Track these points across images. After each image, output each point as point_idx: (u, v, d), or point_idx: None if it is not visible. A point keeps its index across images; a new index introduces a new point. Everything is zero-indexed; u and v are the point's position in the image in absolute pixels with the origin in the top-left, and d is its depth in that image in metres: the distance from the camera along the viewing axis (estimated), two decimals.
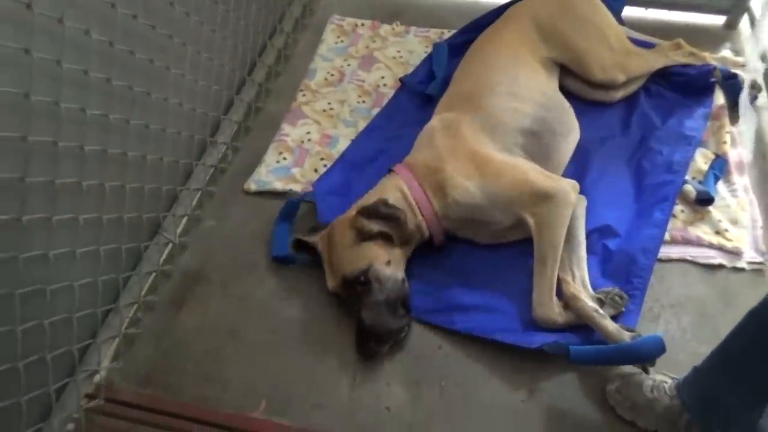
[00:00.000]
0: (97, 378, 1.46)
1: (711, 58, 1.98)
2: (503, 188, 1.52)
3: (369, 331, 1.42)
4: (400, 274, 1.50)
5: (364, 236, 1.47)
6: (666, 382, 1.32)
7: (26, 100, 1.11)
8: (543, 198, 1.50)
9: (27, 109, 1.12)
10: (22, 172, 1.14)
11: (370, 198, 1.56)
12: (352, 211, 1.53)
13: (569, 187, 1.54)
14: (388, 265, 1.48)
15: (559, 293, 1.47)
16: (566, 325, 1.45)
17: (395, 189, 1.56)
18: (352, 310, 1.47)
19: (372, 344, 1.44)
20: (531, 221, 1.50)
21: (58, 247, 1.27)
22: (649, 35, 2.06)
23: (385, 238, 1.49)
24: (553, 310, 1.44)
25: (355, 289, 1.45)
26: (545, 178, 1.55)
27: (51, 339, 1.27)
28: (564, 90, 1.88)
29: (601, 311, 1.42)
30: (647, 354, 1.34)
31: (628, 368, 1.38)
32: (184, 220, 1.76)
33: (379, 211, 1.48)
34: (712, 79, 1.89)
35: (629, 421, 1.34)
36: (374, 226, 1.47)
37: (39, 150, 1.17)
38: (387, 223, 1.48)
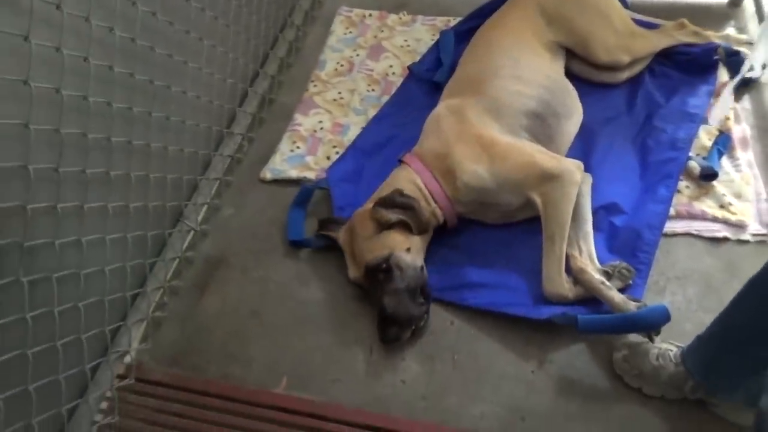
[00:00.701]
0: (127, 359, 1.54)
1: (715, 36, 2.00)
2: (511, 170, 1.57)
3: (391, 317, 1.47)
4: (420, 261, 1.55)
5: (383, 226, 1.53)
6: (671, 350, 1.37)
7: (57, 95, 1.19)
8: (549, 178, 1.55)
9: (59, 104, 1.20)
10: (56, 162, 1.21)
11: (384, 190, 1.61)
12: (369, 204, 1.59)
13: (574, 166, 1.59)
14: (408, 252, 1.53)
15: (568, 269, 1.52)
16: (576, 300, 1.50)
17: (408, 180, 1.61)
18: (374, 298, 1.52)
19: (394, 330, 1.48)
20: (538, 201, 1.55)
21: (90, 234, 1.35)
22: (653, 17, 2.08)
23: (404, 227, 1.54)
24: (563, 286, 1.50)
25: (377, 277, 1.50)
26: (550, 159, 1.59)
27: (85, 321, 1.35)
28: (570, 73, 1.92)
29: (607, 283, 1.47)
30: (653, 322, 1.39)
31: (635, 338, 1.43)
32: (204, 209, 1.83)
33: (396, 201, 1.54)
34: (716, 57, 1.92)
35: (636, 389, 1.39)
36: (392, 216, 1.52)
37: (71, 142, 1.24)
38: (404, 211, 1.53)
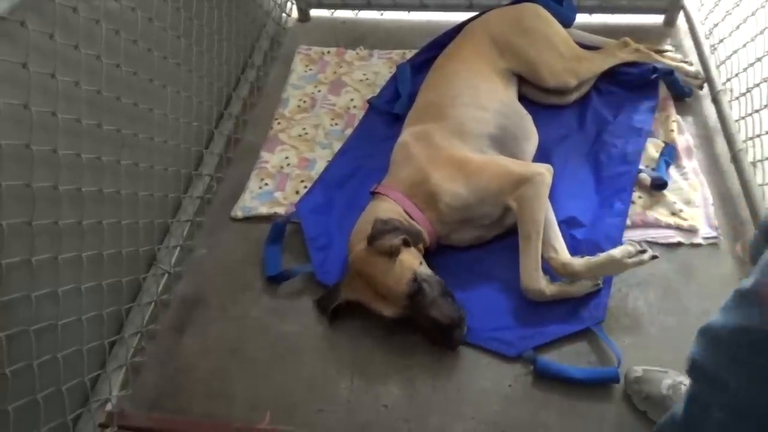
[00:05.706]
0: (109, 406, 1.54)
1: (653, 51, 2.11)
2: (487, 182, 1.64)
3: (449, 323, 1.51)
4: (430, 270, 1.59)
5: (393, 253, 1.54)
6: (684, 385, 1.34)
7: (27, 150, 1.21)
8: (523, 182, 1.63)
9: (29, 159, 1.22)
10: (28, 216, 1.23)
11: (362, 225, 1.63)
12: (358, 246, 1.59)
13: (543, 169, 1.68)
14: (421, 265, 1.57)
15: (546, 270, 1.59)
16: (552, 298, 1.57)
17: (389, 210, 1.64)
18: (420, 318, 1.53)
19: (458, 332, 1.52)
20: (514, 205, 1.63)
21: (65, 284, 1.36)
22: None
23: (406, 245, 1.57)
24: (539, 282, 1.57)
25: (417, 299, 1.52)
26: (521, 165, 1.69)
27: (64, 371, 1.35)
28: (524, 97, 2.03)
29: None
30: (601, 381, 1.47)
31: (651, 363, 1.44)
32: (177, 251, 1.85)
33: (383, 229, 1.56)
34: (654, 76, 2.05)
35: (642, 411, 1.40)
36: (394, 240, 1.54)
37: (42, 195, 1.26)
38: (395, 231, 1.56)
